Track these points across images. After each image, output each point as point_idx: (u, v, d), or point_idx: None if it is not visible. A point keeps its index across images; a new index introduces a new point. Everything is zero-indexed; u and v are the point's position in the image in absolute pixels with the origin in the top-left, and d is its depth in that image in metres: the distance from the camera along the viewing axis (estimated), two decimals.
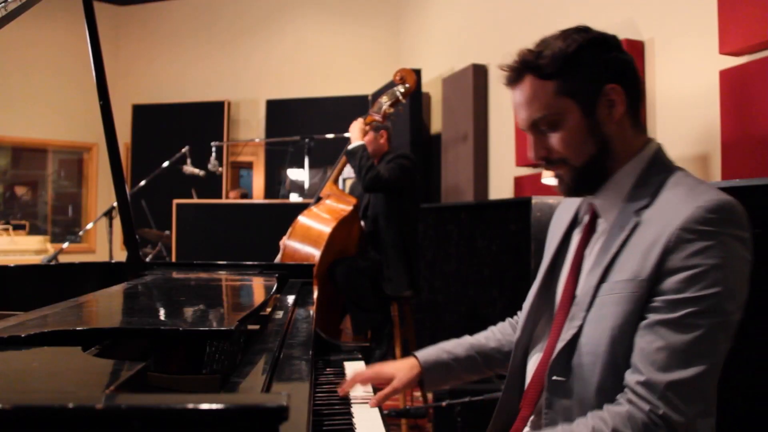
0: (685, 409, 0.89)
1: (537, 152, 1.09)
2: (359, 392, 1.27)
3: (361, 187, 3.00)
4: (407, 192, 3.10)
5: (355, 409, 1.18)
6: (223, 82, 6.61)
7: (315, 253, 2.81)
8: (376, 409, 1.19)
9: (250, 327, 1.07)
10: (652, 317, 0.94)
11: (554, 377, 1.05)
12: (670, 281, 0.94)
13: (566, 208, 1.24)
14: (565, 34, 1.07)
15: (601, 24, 1.12)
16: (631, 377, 0.94)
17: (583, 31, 1.08)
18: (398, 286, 3.02)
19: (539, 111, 1.06)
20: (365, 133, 3.05)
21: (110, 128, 1.57)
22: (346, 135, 3.69)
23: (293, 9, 6.49)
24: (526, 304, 1.21)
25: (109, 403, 0.44)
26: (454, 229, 3.47)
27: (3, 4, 1.31)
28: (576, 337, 1.02)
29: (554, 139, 1.07)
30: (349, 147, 2.99)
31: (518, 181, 3.68)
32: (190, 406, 0.43)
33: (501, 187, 3.96)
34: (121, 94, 6.58)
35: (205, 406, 0.43)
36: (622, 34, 2.77)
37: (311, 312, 1.37)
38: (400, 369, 1.27)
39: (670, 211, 0.97)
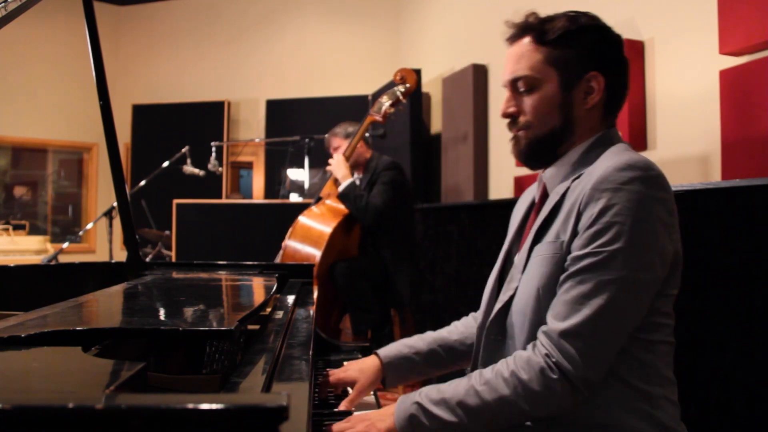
0: (578, 359, 0.92)
1: (507, 107, 1.15)
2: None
3: (365, 225, 2.99)
4: (402, 203, 3.11)
5: (356, 409, 1.18)
6: (223, 82, 6.61)
7: (316, 253, 2.81)
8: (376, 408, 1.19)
9: (250, 327, 1.07)
10: (563, 275, 0.98)
11: (491, 336, 1.09)
12: (579, 238, 0.98)
13: (527, 194, 1.28)
14: (576, 12, 1.12)
15: None
16: (539, 328, 0.98)
17: (592, 17, 1.13)
18: (403, 296, 3.04)
19: (523, 70, 1.11)
20: (347, 166, 3.03)
21: (110, 128, 1.56)
22: None
23: (293, 9, 6.49)
24: (486, 289, 1.24)
25: (109, 403, 0.44)
26: (454, 229, 3.47)
27: (3, 4, 1.31)
28: (511, 298, 1.07)
29: (527, 101, 1.12)
30: (341, 189, 2.97)
31: (518, 181, 3.68)
32: (190, 406, 0.43)
33: (501, 187, 3.96)
34: (121, 94, 6.58)
35: (205, 406, 0.43)
36: (622, 34, 2.77)
37: (311, 312, 1.37)
38: (363, 370, 1.26)
39: (592, 175, 1.01)
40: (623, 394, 0.98)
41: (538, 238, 1.06)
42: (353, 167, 3.17)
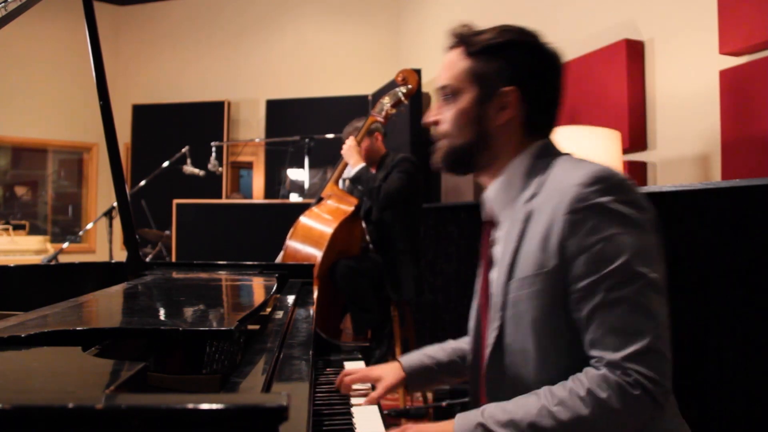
0: (653, 374, 0.91)
1: (432, 114, 1.18)
2: (359, 392, 1.27)
3: (376, 208, 2.99)
4: (414, 196, 3.10)
5: (355, 409, 1.18)
6: (223, 82, 6.61)
7: (317, 253, 2.81)
8: (376, 410, 1.19)
9: (250, 327, 1.07)
10: (584, 308, 0.96)
11: (491, 378, 1.08)
12: (578, 267, 0.96)
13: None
14: (506, 28, 1.13)
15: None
16: (596, 365, 0.95)
17: (520, 32, 1.13)
18: (408, 290, 3.03)
19: (447, 79, 1.15)
20: (359, 151, 3.03)
21: (110, 128, 1.56)
22: None
23: (293, 9, 6.49)
24: (470, 324, 1.24)
25: (109, 403, 0.44)
26: (454, 229, 3.47)
27: (3, 4, 1.31)
28: (500, 337, 1.05)
29: (447, 110, 1.14)
30: (352, 172, 2.97)
31: None
32: (190, 406, 0.43)
33: None
34: (121, 94, 6.58)
35: (205, 406, 0.43)
36: (622, 35, 2.78)
37: (311, 312, 1.37)
38: (387, 372, 1.30)
39: (555, 196, 1.00)
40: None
41: (512, 272, 1.04)
42: (367, 164, 3.17)
